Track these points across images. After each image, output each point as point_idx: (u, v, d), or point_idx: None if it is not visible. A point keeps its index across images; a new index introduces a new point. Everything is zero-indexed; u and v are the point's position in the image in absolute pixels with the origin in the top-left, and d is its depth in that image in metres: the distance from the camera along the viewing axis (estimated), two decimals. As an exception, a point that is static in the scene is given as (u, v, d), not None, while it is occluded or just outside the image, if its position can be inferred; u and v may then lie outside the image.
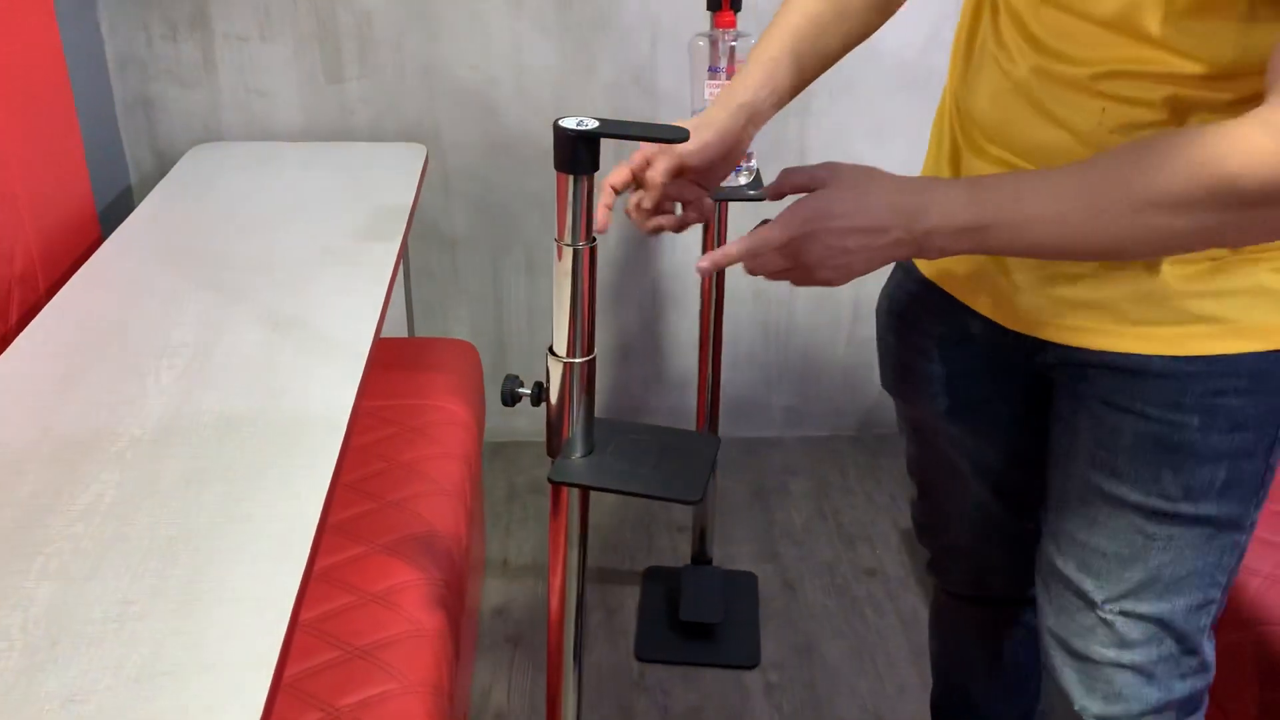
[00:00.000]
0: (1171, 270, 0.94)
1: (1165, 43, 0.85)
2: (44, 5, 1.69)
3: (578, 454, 1.07)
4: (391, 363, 1.78)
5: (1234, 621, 1.38)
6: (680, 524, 2.23)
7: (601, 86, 2.15)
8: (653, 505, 2.26)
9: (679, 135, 0.92)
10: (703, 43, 1.69)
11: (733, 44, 1.67)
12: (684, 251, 2.31)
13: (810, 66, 1.09)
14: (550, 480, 1.07)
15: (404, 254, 2.29)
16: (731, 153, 1.05)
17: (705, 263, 0.95)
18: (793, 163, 2.11)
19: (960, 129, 1.07)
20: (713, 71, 1.68)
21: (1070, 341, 1.02)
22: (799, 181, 0.94)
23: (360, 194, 1.84)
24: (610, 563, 2.13)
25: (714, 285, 1.86)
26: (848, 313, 2.41)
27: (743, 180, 1.73)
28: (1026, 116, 0.97)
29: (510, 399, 1.07)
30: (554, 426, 1.07)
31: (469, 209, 2.25)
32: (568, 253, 0.99)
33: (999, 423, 1.20)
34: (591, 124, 0.93)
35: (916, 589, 2.07)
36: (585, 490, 1.09)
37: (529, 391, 1.07)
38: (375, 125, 2.16)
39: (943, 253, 0.88)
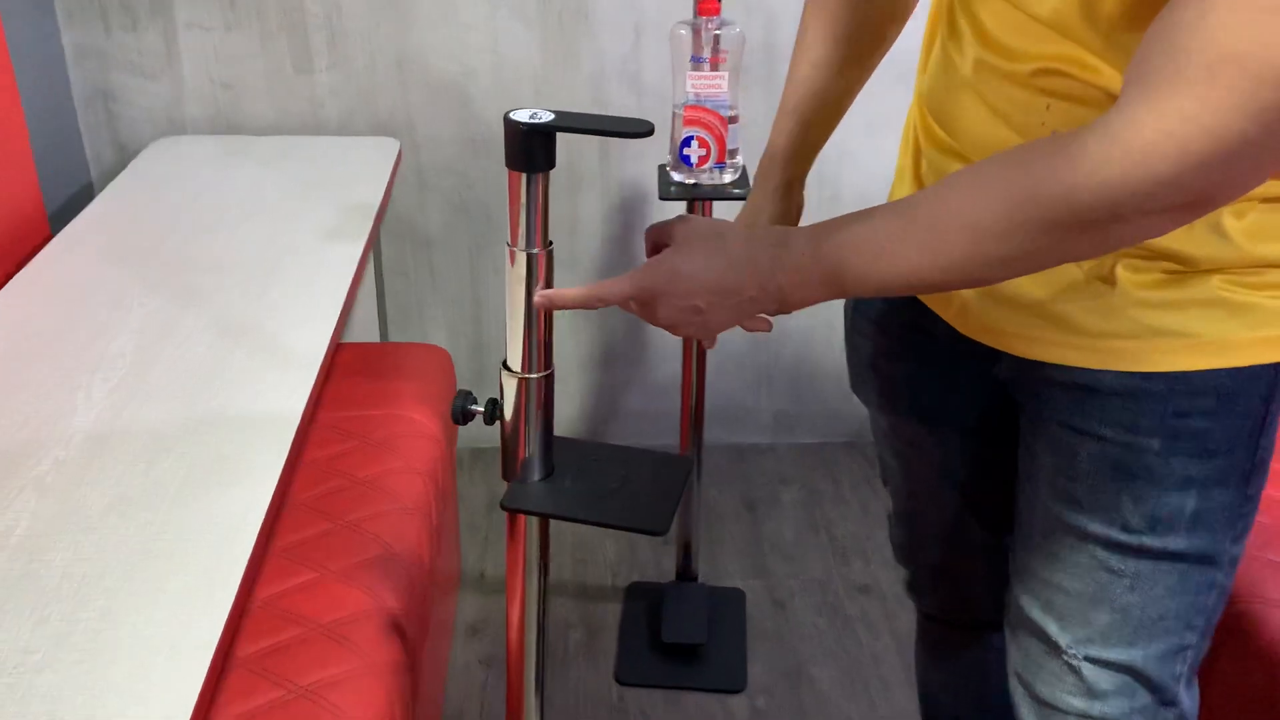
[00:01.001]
0: (1128, 278, 0.87)
1: (1096, 51, 0.80)
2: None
3: (535, 477, 0.99)
4: (356, 370, 1.68)
5: (1245, 652, 1.30)
6: (664, 537, 2.14)
7: (583, 78, 2.05)
8: (637, 516, 2.17)
9: (641, 129, 0.84)
10: (684, 31, 1.59)
11: (716, 32, 1.57)
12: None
13: (840, 104, 1.11)
14: (503, 507, 0.97)
15: (377, 254, 2.20)
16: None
17: (540, 299, 0.92)
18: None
19: (920, 122, 1.03)
20: (695, 61, 1.58)
21: (1019, 351, 0.95)
22: (655, 237, 0.93)
23: (328, 190, 1.75)
24: (591, 578, 2.04)
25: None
26: (843, 313, 2.31)
27: (727, 178, 1.64)
28: (975, 110, 0.92)
29: (462, 417, 0.98)
30: (509, 448, 0.98)
31: (445, 207, 2.16)
32: (520, 258, 0.90)
33: (965, 432, 1.14)
34: (546, 116, 0.85)
35: (913, 607, 1.97)
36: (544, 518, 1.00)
37: (482, 409, 0.98)
38: (346, 119, 2.06)
39: (805, 303, 0.85)
